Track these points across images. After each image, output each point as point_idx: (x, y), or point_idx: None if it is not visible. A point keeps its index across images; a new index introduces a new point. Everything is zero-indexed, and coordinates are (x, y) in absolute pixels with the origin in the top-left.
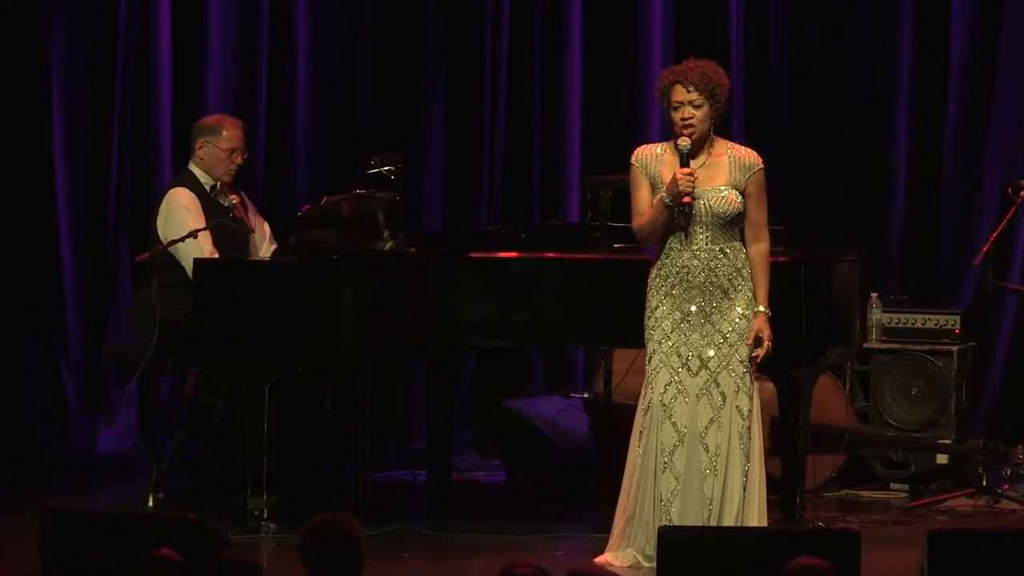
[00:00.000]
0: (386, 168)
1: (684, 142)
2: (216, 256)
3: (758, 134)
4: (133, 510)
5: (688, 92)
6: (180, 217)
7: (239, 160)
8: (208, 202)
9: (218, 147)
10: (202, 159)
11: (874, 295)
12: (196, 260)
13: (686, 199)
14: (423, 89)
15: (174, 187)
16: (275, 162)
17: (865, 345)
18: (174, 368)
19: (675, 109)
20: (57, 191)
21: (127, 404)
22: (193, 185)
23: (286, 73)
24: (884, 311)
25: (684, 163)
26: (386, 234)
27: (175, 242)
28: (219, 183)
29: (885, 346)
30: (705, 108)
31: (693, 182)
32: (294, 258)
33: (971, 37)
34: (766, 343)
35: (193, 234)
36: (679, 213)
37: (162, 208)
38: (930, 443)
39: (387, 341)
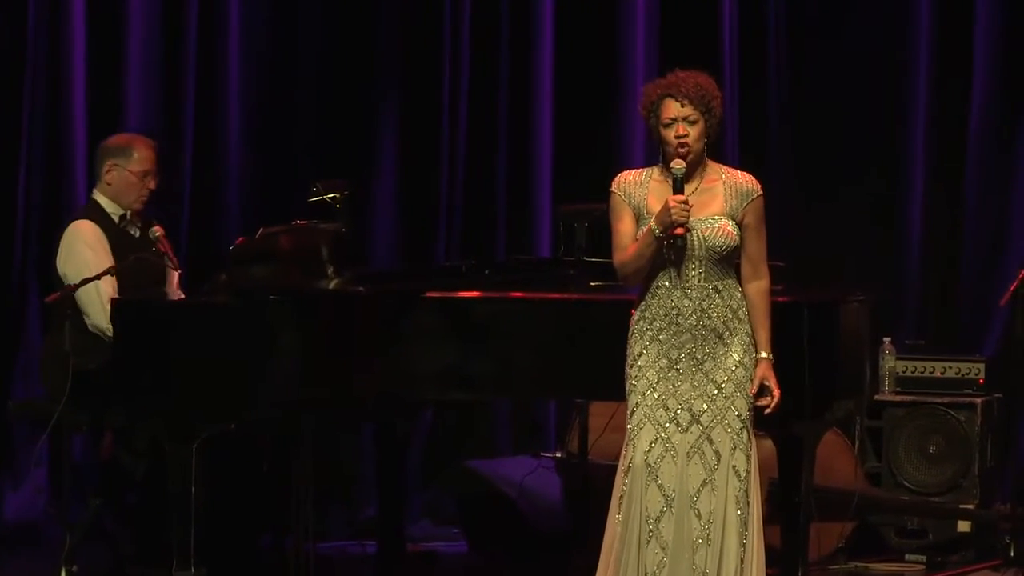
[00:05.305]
0: (330, 196)
1: (678, 165)
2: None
3: (755, 158)
4: None
5: (682, 107)
6: (80, 255)
7: (152, 185)
8: (117, 235)
9: (129, 170)
10: (110, 184)
11: (887, 340)
12: (114, 300)
13: (679, 230)
14: (372, 105)
15: (76, 219)
16: (204, 189)
17: (876, 397)
18: (89, 424)
19: (666, 127)
20: None
21: (36, 464)
22: (99, 217)
23: (216, 88)
24: (898, 358)
25: (678, 189)
26: (330, 271)
27: (89, 280)
28: (129, 212)
29: (899, 398)
30: (700, 125)
31: (688, 211)
32: (225, 298)
33: (995, 47)
34: (775, 391)
35: (111, 270)
36: (669, 246)
37: (62, 244)
38: (951, 508)
39: (332, 393)
